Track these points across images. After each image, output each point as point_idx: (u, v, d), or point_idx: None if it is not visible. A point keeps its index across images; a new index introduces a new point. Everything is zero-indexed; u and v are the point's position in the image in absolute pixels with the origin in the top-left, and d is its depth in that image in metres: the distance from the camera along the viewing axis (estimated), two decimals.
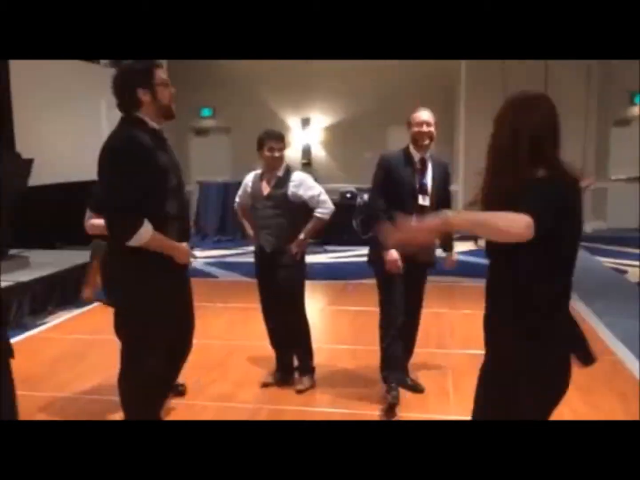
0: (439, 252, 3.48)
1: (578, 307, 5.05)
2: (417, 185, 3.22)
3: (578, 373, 1.72)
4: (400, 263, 3.18)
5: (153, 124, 2.43)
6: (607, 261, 7.35)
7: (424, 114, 3.23)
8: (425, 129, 3.20)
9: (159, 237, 2.33)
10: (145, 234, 2.29)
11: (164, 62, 8.59)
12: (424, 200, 3.22)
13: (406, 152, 3.29)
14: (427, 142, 3.22)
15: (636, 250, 7.92)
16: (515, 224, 1.50)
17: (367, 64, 9.41)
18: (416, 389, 3.47)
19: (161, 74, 2.44)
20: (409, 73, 9.76)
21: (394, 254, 3.17)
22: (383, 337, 3.29)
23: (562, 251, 1.65)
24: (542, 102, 1.67)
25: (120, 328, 2.56)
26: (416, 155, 3.26)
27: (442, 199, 3.30)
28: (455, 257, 3.59)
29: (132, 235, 2.26)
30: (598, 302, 5.19)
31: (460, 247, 8.09)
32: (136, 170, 2.29)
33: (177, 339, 2.57)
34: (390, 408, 3.16)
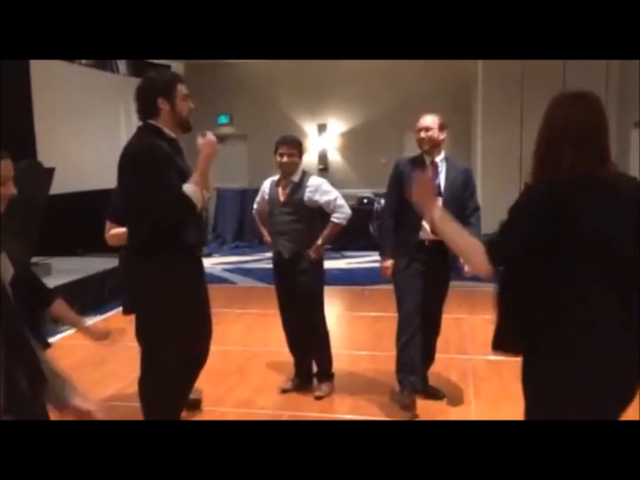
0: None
1: None
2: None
3: None
4: (389, 271, 3.29)
5: (170, 133, 2.46)
6: None
7: (423, 120, 3.24)
8: (423, 134, 3.21)
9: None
10: None
11: (181, 67, 8.64)
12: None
13: (419, 156, 3.31)
14: (427, 147, 3.22)
15: None
16: (472, 260, 1.66)
17: (383, 69, 9.41)
18: (437, 395, 3.44)
19: (182, 88, 2.51)
20: (425, 78, 9.74)
21: (387, 262, 3.29)
22: (397, 341, 3.27)
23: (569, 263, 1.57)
24: (589, 100, 1.67)
25: (140, 333, 2.59)
26: (427, 159, 3.27)
27: (462, 205, 3.23)
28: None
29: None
30: None
31: None
32: (156, 176, 2.32)
33: (194, 345, 2.58)
34: (404, 409, 3.16)
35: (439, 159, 3.27)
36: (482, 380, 3.72)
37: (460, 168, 3.34)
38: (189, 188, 2.39)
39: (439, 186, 3.22)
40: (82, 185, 6.83)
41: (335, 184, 3.87)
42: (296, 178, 3.48)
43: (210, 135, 2.53)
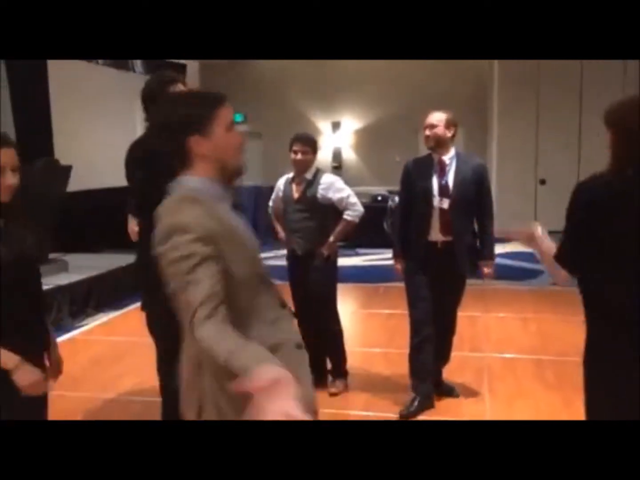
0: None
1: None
2: (437, 188, 3.13)
3: (579, 376, 1.71)
4: (401, 272, 3.30)
5: None
6: None
7: (429, 117, 3.17)
8: (428, 132, 3.15)
9: None
10: None
11: (196, 66, 8.69)
12: (441, 203, 3.13)
13: (427, 156, 3.26)
14: (431, 144, 3.16)
15: None
16: (556, 275, 1.77)
17: (397, 67, 9.38)
18: (451, 393, 3.43)
19: (182, 87, 2.56)
20: (440, 76, 9.70)
21: (398, 264, 3.32)
22: (410, 347, 3.25)
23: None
24: None
25: (150, 329, 2.64)
26: (435, 158, 3.19)
27: (475, 202, 3.18)
28: (491, 267, 3.28)
29: None
30: None
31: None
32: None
33: None
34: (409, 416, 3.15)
35: (448, 156, 3.17)
36: (496, 378, 3.71)
37: (472, 164, 3.21)
38: None
39: (447, 185, 3.13)
40: (99, 183, 6.91)
41: (349, 181, 3.88)
42: (309, 175, 3.49)
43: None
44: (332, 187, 3.47)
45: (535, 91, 9.00)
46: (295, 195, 3.52)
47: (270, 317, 1.54)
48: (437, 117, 3.15)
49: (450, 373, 3.58)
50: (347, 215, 3.49)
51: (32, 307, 1.88)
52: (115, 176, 7.09)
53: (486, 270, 3.25)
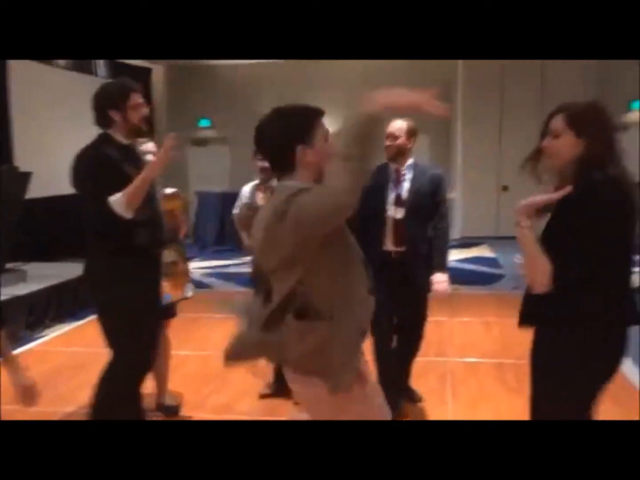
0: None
1: None
2: (392, 198, 3.09)
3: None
4: None
5: (122, 141, 2.57)
6: None
7: (390, 126, 3.06)
8: (388, 142, 3.07)
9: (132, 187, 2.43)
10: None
11: (161, 70, 8.54)
12: (396, 213, 3.07)
13: (385, 164, 3.16)
14: (392, 155, 3.08)
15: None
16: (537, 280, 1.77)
17: (364, 72, 9.45)
18: (413, 398, 3.45)
19: (136, 96, 2.58)
20: (406, 81, 9.79)
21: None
22: (375, 361, 3.14)
23: None
24: None
25: (104, 336, 2.70)
26: (391, 167, 3.13)
27: (429, 212, 3.11)
28: (444, 283, 3.12)
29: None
30: None
31: (458, 255, 8.09)
32: (91, 186, 2.48)
33: (140, 349, 2.64)
34: None
35: (405, 166, 3.12)
36: (459, 383, 3.75)
37: (429, 174, 3.15)
38: (114, 198, 2.41)
39: (401, 195, 3.08)
40: (61, 189, 6.74)
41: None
42: (275, 183, 3.47)
43: (169, 140, 2.49)
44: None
45: (499, 93, 9.18)
46: (261, 202, 3.50)
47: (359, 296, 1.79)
48: (399, 127, 3.08)
49: (414, 377, 3.59)
50: None
51: None
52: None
53: (435, 280, 3.09)
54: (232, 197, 3.94)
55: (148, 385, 3.44)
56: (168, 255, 3.02)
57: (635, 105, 9.67)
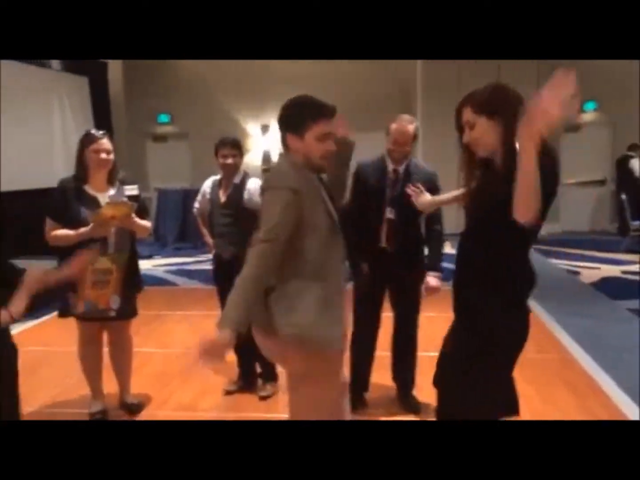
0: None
1: (533, 307, 5.20)
2: (388, 198, 3.07)
3: (535, 372, 1.80)
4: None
5: None
6: (561, 263, 7.58)
7: (398, 132, 3.01)
8: (395, 148, 3.04)
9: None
10: None
11: (119, 65, 8.35)
12: (390, 213, 3.07)
13: (382, 161, 3.13)
14: (397, 157, 3.07)
15: (588, 252, 8.20)
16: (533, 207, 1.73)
17: (325, 70, 9.48)
18: (413, 407, 3.30)
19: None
20: (367, 80, 9.88)
21: (365, 267, 3.13)
22: (350, 359, 3.19)
23: None
24: None
25: None
26: (390, 166, 3.10)
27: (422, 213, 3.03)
28: (436, 285, 3.07)
29: None
30: (552, 301, 5.34)
31: None
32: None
33: None
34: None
35: (403, 167, 3.10)
36: (424, 376, 3.81)
37: (424, 173, 3.11)
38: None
39: (397, 196, 3.04)
40: (14, 185, 6.55)
41: None
42: (237, 179, 3.45)
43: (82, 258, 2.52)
44: (258, 192, 3.42)
45: (457, 92, 9.34)
46: (222, 199, 3.47)
47: (326, 268, 1.99)
48: (408, 131, 3.00)
49: (379, 372, 3.61)
50: None
51: None
52: (32, 178, 6.76)
53: (430, 282, 3.07)
54: (193, 193, 3.90)
55: (111, 384, 3.39)
56: (102, 263, 2.96)
57: (589, 106, 10.00)
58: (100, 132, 3.07)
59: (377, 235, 3.11)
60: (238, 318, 1.84)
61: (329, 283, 1.99)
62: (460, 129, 1.91)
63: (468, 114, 1.85)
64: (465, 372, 1.89)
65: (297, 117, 1.98)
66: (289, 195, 1.89)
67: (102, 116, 8.85)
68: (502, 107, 1.81)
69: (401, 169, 3.11)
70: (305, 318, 1.93)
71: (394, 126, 3.04)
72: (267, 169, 10.44)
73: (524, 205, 1.64)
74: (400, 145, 3.03)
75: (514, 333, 1.88)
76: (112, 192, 3.05)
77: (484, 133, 1.83)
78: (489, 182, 1.84)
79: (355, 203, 3.16)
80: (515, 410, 1.99)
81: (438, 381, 2.04)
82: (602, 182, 10.31)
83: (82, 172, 3.02)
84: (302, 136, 1.97)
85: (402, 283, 3.17)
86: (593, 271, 7.06)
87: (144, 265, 7.51)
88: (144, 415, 3.33)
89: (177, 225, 9.79)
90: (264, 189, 1.99)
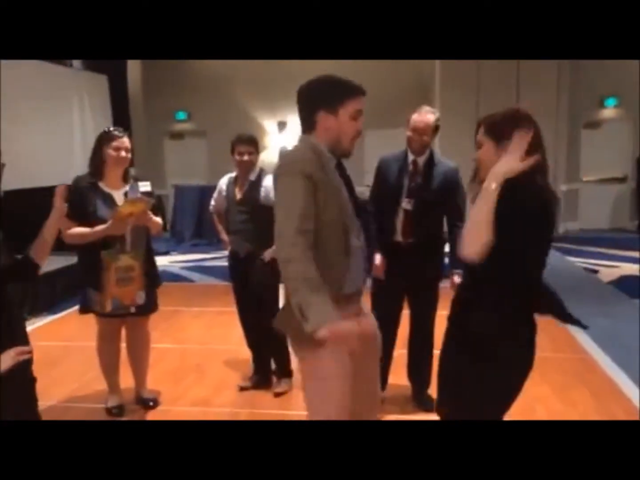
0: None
1: None
2: (406, 189, 3.06)
3: (553, 372, 1.77)
4: (379, 271, 3.07)
5: None
6: (579, 261, 7.49)
7: (417, 119, 3.01)
8: (414, 135, 3.02)
9: None
10: None
11: (138, 62, 8.38)
12: (408, 204, 3.05)
13: (403, 153, 3.14)
14: (416, 147, 3.05)
15: (607, 250, 8.09)
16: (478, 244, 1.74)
17: (343, 67, 9.43)
18: (425, 404, 3.24)
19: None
20: (384, 78, 9.82)
21: (377, 258, 3.06)
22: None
23: None
24: None
25: None
26: (410, 157, 3.10)
27: (448, 205, 3.07)
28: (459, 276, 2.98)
29: None
30: (570, 301, 5.26)
31: None
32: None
33: None
34: None
35: (423, 158, 3.08)
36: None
37: (445, 167, 3.10)
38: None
39: (416, 187, 3.04)
40: (35, 182, 6.63)
41: None
42: (253, 177, 3.46)
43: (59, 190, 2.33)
44: (273, 189, 3.42)
45: (475, 90, 9.26)
46: (238, 196, 3.48)
47: (330, 259, 1.86)
48: (427, 122, 3.01)
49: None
50: None
51: None
52: (52, 174, 6.83)
53: (455, 280, 3.00)
54: (210, 190, 3.92)
55: (127, 379, 3.43)
56: (124, 260, 2.98)
57: (610, 102, 9.86)
58: (120, 130, 3.10)
59: (393, 228, 3.10)
60: (319, 313, 1.70)
61: (340, 284, 1.86)
62: (477, 143, 1.90)
63: (480, 133, 1.85)
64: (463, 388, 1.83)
65: (331, 93, 1.87)
66: (303, 181, 1.79)
67: (121, 114, 8.94)
68: (511, 135, 1.74)
69: (421, 160, 3.09)
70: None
71: (414, 115, 3.05)
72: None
73: (466, 241, 1.68)
74: (419, 133, 3.01)
75: (513, 348, 1.80)
76: (126, 189, 3.08)
77: (488, 156, 1.80)
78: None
79: (375, 196, 3.20)
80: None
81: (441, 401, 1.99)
82: (622, 180, 10.15)
83: (97, 169, 3.05)
84: (336, 113, 1.87)
85: (418, 279, 3.13)
86: (612, 269, 6.97)
87: (161, 261, 7.57)
88: (159, 411, 3.36)
89: (194, 222, 9.85)
90: (276, 176, 1.89)
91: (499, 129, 1.78)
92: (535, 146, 1.73)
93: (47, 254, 2.21)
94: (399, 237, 3.11)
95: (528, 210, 1.69)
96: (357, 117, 1.89)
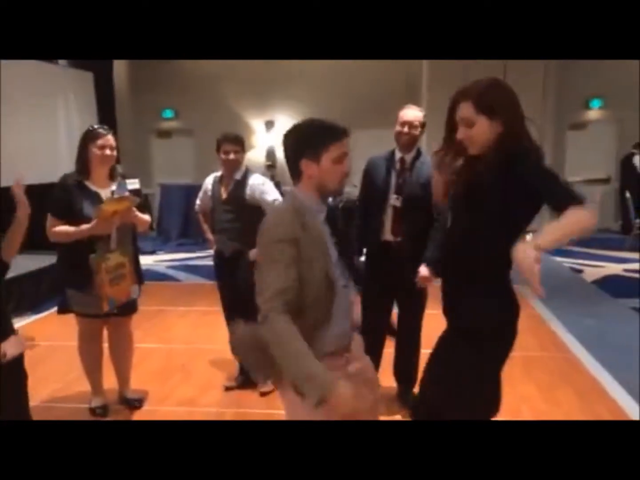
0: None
1: (536, 306, 5.18)
2: (394, 186, 3.07)
3: (537, 371, 1.77)
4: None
5: None
6: (565, 261, 7.56)
7: (406, 113, 3.05)
8: (405, 129, 3.04)
9: None
10: None
11: (124, 60, 8.27)
12: (396, 201, 3.06)
13: (391, 153, 3.16)
14: (405, 142, 3.05)
15: (592, 251, 8.17)
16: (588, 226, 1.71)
17: (330, 66, 9.45)
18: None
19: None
20: (372, 78, 9.85)
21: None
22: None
23: None
24: None
25: None
26: (397, 155, 3.12)
27: (429, 202, 2.96)
28: (427, 277, 2.95)
29: None
30: (555, 300, 5.33)
31: None
32: None
33: None
34: None
35: (411, 155, 3.10)
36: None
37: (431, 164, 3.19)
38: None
39: (404, 183, 3.05)
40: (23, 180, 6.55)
41: (282, 181, 3.85)
42: (239, 176, 3.44)
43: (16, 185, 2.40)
44: (260, 188, 3.41)
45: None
46: (224, 195, 3.46)
47: (319, 321, 1.80)
48: (416, 116, 3.05)
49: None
50: None
51: None
52: (35, 173, 6.75)
53: (421, 271, 2.95)
54: (196, 189, 3.89)
55: (111, 379, 3.39)
56: (113, 259, 2.96)
57: (595, 103, 9.95)
58: (105, 128, 3.06)
59: (381, 227, 3.10)
60: (317, 388, 1.61)
61: (318, 344, 1.77)
62: (452, 123, 1.85)
63: (467, 111, 1.79)
64: (452, 371, 1.86)
65: (313, 140, 1.83)
66: (288, 247, 1.73)
67: (107, 111, 8.85)
68: (505, 107, 1.77)
69: (408, 157, 3.10)
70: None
71: (403, 111, 3.08)
72: (271, 165, 10.43)
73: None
74: (409, 127, 3.03)
75: (497, 321, 1.83)
76: (113, 187, 3.05)
77: (483, 133, 1.78)
78: (478, 176, 1.79)
79: (364, 196, 3.21)
80: (497, 409, 1.96)
81: (424, 384, 2.02)
82: (606, 181, 10.25)
83: (84, 167, 3.01)
84: (318, 160, 1.81)
85: (407, 278, 3.09)
86: (596, 269, 7.04)
87: (147, 260, 7.52)
88: (145, 411, 3.34)
89: (180, 221, 9.80)
90: (258, 243, 1.82)
91: (493, 102, 1.77)
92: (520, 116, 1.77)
93: (15, 251, 2.18)
94: (387, 236, 3.11)
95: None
96: (341, 160, 1.83)
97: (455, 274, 1.91)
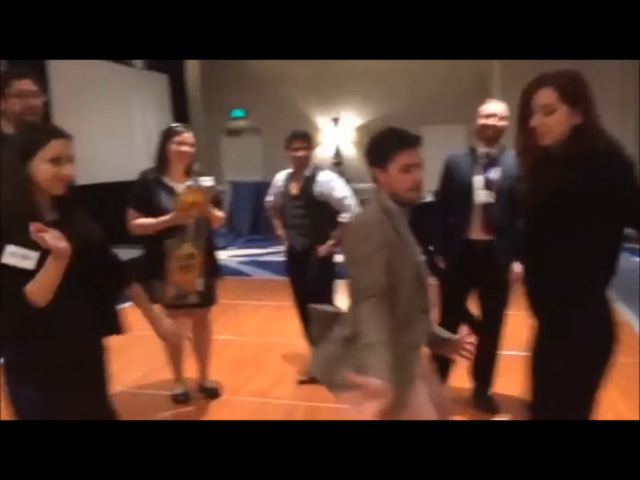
0: None
1: (618, 308, 4.95)
2: (482, 182, 2.95)
3: (620, 377, 1.71)
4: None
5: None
6: None
7: (490, 106, 2.96)
8: (490, 121, 2.93)
9: None
10: None
11: (196, 61, 8.55)
12: (489, 197, 2.93)
13: (471, 149, 3.06)
14: (490, 135, 2.95)
15: None
16: None
17: (398, 64, 9.36)
18: (490, 407, 3.20)
19: (20, 85, 2.43)
20: (441, 73, 9.68)
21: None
22: None
23: None
24: None
25: None
26: (481, 150, 3.00)
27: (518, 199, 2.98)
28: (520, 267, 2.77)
29: None
30: (638, 302, 5.07)
31: None
32: None
33: None
34: None
35: (496, 149, 2.99)
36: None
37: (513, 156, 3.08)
38: None
39: (493, 179, 2.93)
40: (97, 178, 6.89)
41: (349, 178, 3.86)
42: (308, 172, 3.50)
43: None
44: (329, 185, 3.46)
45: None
46: (294, 191, 3.52)
47: (410, 317, 1.86)
48: (499, 108, 2.95)
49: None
50: (342, 218, 3.45)
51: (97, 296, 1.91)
52: (113, 172, 7.07)
53: (515, 268, 2.88)
54: (265, 186, 3.98)
55: (191, 369, 3.53)
56: (185, 249, 3.07)
57: None
58: (184, 125, 3.19)
59: (467, 225, 2.97)
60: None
61: (409, 338, 1.84)
62: (526, 109, 1.80)
63: (549, 97, 1.74)
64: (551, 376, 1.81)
65: (379, 150, 1.91)
66: (382, 250, 1.77)
67: (180, 112, 9.17)
68: (587, 99, 1.75)
69: (495, 151, 2.98)
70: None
71: (485, 105, 2.97)
72: (338, 162, 10.46)
73: None
74: (495, 119, 2.92)
75: (592, 328, 1.76)
76: (189, 183, 3.17)
77: (561, 122, 1.73)
78: (558, 170, 1.74)
79: (445, 194, 3.12)
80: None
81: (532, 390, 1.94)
82: None
83: (162, 163, 3.15)
84: (386, 169, 1.87)
85: (492, 277, 2.99)
86: None
87: (220, 256, 7.72)
88: (221, 400, 3.45)
89: (250, 217, 10.02)
90: (350, 243, 1.88)
91: (576, 91, 1.74)
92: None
93: (48, 295, 1.71)
94: (474, 234, 2.98)
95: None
96: (409, 169, 1.85)
97: (541, 272, 1.85)
